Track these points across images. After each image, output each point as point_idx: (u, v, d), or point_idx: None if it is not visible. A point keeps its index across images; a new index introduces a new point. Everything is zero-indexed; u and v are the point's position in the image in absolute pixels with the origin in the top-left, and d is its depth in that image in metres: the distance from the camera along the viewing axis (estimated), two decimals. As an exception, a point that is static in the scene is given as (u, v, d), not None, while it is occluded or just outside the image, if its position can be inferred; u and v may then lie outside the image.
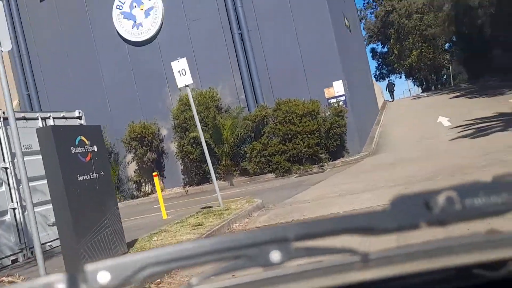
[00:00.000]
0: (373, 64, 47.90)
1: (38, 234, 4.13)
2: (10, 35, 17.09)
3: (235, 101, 14.03)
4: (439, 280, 0.68)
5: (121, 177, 15.01)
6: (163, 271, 0.61)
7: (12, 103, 4.56)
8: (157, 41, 14.85)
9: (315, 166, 12.56)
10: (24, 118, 7.31)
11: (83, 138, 5.14)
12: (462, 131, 12.10)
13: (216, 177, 8.46)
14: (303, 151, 12.47)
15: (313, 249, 0.63)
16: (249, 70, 13.99)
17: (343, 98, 13.41)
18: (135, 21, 15.03)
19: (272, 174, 12.73)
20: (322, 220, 0.64)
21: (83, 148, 5.14)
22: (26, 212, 6.35)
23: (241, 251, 0.61)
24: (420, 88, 47.53)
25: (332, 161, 12.73)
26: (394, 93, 33.47)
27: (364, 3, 45.19)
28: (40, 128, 5.53)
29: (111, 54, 15.28)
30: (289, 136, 12.60)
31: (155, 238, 6.06)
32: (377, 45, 45.30)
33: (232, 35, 14.09)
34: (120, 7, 15.16)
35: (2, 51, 4.40)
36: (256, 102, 13.89)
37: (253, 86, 13.99)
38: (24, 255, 6.70)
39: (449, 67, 44.10)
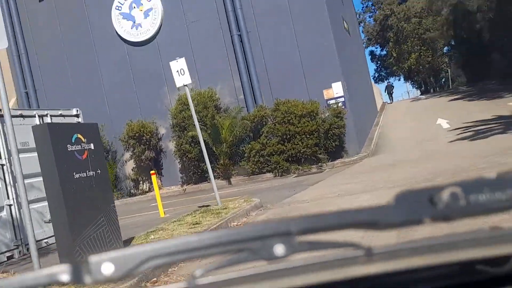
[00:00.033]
0: (372, 67, 48.02)
1: (33, 231, 4.09)
2: (9, 34, 16.92)
3: (234, 101, 14.01)
4: (442, 275, 0.68)
5: (119, 175, 14.97)
6: (167, 263, 0.61)
7: (8, 100, 4.53)
8: (156, 42, 14.83)
9: (314, 166, 12.54)
10: (21, 116, 7.27)
11: (79, 136, 5.10)
12: (461, 133, 12.09)
13: (214, 176, 8.43)
14: (301, 151, 12.45)
15: (317, 243, 0.62)
16: (248, 71, 13.97)
17: (342, 99, 13.40)
18: (134, 22, 15.00)
19: (271, 174, 12.70)
20: (326, 214, 0.63)
21: (79, 146, 5.10)
22: (22, 209, 6.30)
23: (244, 244, 0.61)
24: (418, 91, 47.64)
25: (331, 161, 12.71)
26: (393, 95, 33.56)
27: (363, 7, 45.30)
28: (36, 125, 5.49)
29: (110, 54, 15.24)
30: (288, 136, 12.58)
31: (152, 236, 6.02)
32: (376, 48, 45.45)
33: (231, 36, 14.08)
34: (119, 8, 15.14)
35: (-1, 47, 4.36)
36: (255, 102, 13.87)
37: (252, 87, 13.97)
38: (19, 251, 6.65)
39: (447, 70, 44.23)
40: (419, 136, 13.73)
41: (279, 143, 12.69)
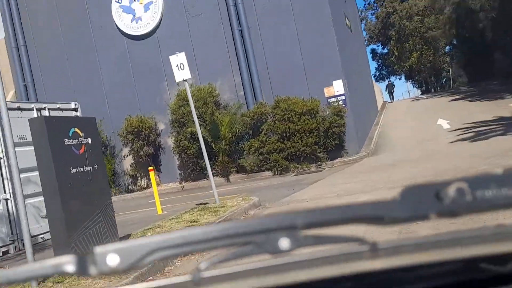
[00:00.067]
0: (373, 65, 47.83)
1: (28, 226, 4.02)
2: (8, 26, 16.77)
3: (234, 97, 13.92)
4: (446, 272, 0.68)
5: (117, 171, 14.90)
6: (172, 255, 0.61)
7: (6, 93, 4.45)
8: (156, 36, 14.72)
9: (313, 165, 12.47)
10: (19, 109, 7.20)
11: (77, 130, 5.03)
12: (462, 134, 12.03)
13: (212, 173, 8.36)
14: (301, 150, 12.38)
15: (322, 237, 0.62)
16: (248, 67, 13.87)
17: (343, 97, 13.32)
18: (134, 15, 14.89)
19: (270, 172, 12.64)
20: (331, 208, 0.63)
21: (77, 140, 5.03)
22: (17, 203, 6.24)
23: (249, 238, 0.61)
24: (419, 90, 47.55)
25: (331, 160, 12.64)
26: (394, 94, 33.47)
27: (365, 4, 45.26)
28: (33, 118, 5.41)
29: (109, 47, 15.14)
30: (288, 134, 12.50)
31: (149, 234, 5.96)
32: (378, 46, 45.26)
33: (232, 31, 13.97)
34: (120, 1, 15.02)
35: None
36: (255, 99, 13.78)
37: (252, 83, 13.88)
38: (15, 246, 6.60)
39: (449, 69, 44.12)
40: (419, 136, 13.66)
41: (278, 141, 12.61)
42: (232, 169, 13.37)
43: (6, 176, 6.67)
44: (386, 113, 21.93)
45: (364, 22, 41.37)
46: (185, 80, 7.86)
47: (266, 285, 0.68)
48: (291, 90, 12.98)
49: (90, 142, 5.22)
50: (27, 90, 16.22)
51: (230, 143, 13.23)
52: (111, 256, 0.58)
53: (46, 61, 15.93)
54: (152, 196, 9.14)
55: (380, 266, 0.67)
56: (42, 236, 6.86)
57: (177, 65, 7.83)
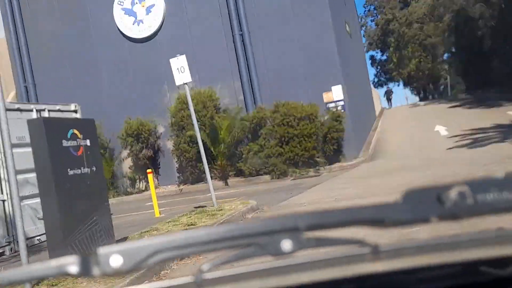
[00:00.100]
0: (371, 71, 48.01)
1: (23, 227, 4.01)
2: (10, 27, 16.73)
3: (234, 101, 13.93)
4: (447, 275, 0.68)
5: (116, 173, 14.87)
6: (174, 257, 0.61)
7: (7, 94, 4.45)
8: (157, 39, 14.76)
9: (311, 169, 12.47)
10: (19, 110, 7.19)
11: (75, 131, 5.02)
12: (460, 140, 12.06)
13: (211, 176, 8.36)
14: (299, 154, 12.38)
15: (324, 240, 0.62)
16: (248, 71, 13.91)
17: (342, 103, 13.35)
18: (136, 18, 14.93)
19: (268, 176, 12.63)
20: (333, 210, 0.63)
21: (75, 141, 5.02)
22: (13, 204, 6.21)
23: (252, 239, 0.61)
24: (417, 97, 47.68)
25: (329, 165, 12.65)
26: (392, 100, 33.56)
27: (365, 11, 45.41)
28: (31, 119, 5.41)
29: (110, 50, 15.16)
30: (287, 138, 12.51)
31: (146, 237, 5.94)
32: (377, 52, 45.48)
33: (233, 35, 14.01)
34: (121, 3, 15.06)
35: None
36: (255, 103, 13.80)
37: (252, 88, 13.91)
38: (11, 248, 6.56)
39: (447, 77, 44.27)
40: (417, 142, 13.69)
41: (277, 145, 12.62)
42: (230, 173, 13.36)
43: (4, 177, 6.65)
44: (384, 119, 21.97)
45: (363, 28, 41.56)
46: (186, 84, 7.86)
47: (268, 286, 0.68)
48: (291, 95, 13.00)
49: (88, 144, 5.21)
50: (27, 92, 16.20)
51: (229, 147, 13.23)
52: (114, 257, 0.59)
53: (47, 63, 15.93)
54: (150, 199, 9.12)
55: (381, 268, 0.67)
56: (38, 238, 6.83)
57: (178, 68, 7.84)
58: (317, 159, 12.57)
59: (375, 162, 12.38)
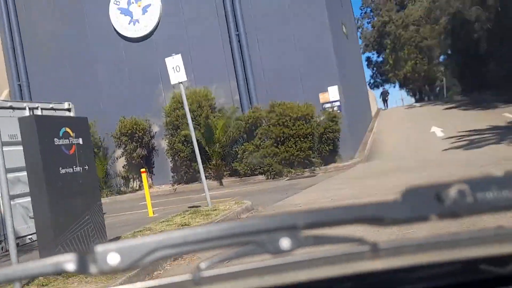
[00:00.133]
0: (368, 73, 48.13)
1: (13, 226, 3.93)
2: (4, 25, 16.61)
3: (229, 101, 13.88)
4: (446, 273, 0.68)
5: (109, 172, 14.77)
6: (172, 255, 0.61)
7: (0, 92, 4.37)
8: (153, 38, 14.68)
9: (307, 170, 12.44)
10: (11, 108, 7.10)
11: (67, 129, 4.94)
12: (456, 142, 12.06)
13: (206, 176, 8.30)
14: (295, 155, 12.34)
15: (323, 238, 0.62)
16: (244, 71, 13.86)
17: (338, 103, 13.33)
18: (132, 17, 14.84)
19: (263, 176, 12.58)
20: (332, 208, 0.63)
21: (67, 140, 4.94)
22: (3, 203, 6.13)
23: (250, 237, 0.61)
24: (413, 98, 47.86)
25: (324, 166, 12.61)
26: (388, 101, 33.64)
27: (361, 13, 45.50)
28: (22, 117, 5.32)
29: (106, 49, 15.07)
30: (282, 138, 12.47)
31: (138, 237, 5.87)
32: (373, 54, 45.59)
33: (229, 36, 13.96)
34: (118, 3, 14.97)
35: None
36: (250, 103, 13.76)
37: (247, 88, 13.86)
38: (2, 247, 6.47)
39: (443, 79, 44.45)
40: (413, 143, 13.69)
41: (272, 145, 12.57)
42: (225, 173, 13.30)
43: (-4, 175, 6.55)
44: (380, 120, 21.99)
45: (360, 30, 41.64)
46: (181, 83, 7.81)
47: (267, 285, 0.68)
48: (287, 95, 12.97)
49: (81, 142, 5.13)
50: (21, 90, 16.08)
51: (224, 146, 13.18)
52: (112, 255, 0.58)
53: (42, 62, 15.82)
54: (144, 198, 9.04)
55: (381, 266, 0.67)
56: (30, 237, 6.74)
57: (173, 67, 7.78)
58: (313, 160, 12.54)
59: (371, 163, 12.36)
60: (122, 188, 14.65)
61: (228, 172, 13.32)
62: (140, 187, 13.99)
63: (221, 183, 13.01)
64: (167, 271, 4.55)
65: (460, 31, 27.27)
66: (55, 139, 4.80)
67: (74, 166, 4.96)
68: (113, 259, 0.58)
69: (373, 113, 24.06)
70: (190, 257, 4.86)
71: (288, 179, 11.93)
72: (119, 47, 14.96)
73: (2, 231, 6.50)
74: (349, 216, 0.62)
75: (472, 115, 17.82)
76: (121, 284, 3.94)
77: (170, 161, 14.19)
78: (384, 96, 33.57)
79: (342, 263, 0.69)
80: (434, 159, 10.25)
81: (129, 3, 14.86)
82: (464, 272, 0.69)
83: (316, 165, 12.52)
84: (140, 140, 14.17)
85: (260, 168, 12.61)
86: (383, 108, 31.12)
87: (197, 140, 8.66)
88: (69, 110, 7.81)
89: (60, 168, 4.78)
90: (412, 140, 14.25)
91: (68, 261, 0.59)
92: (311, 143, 12.42)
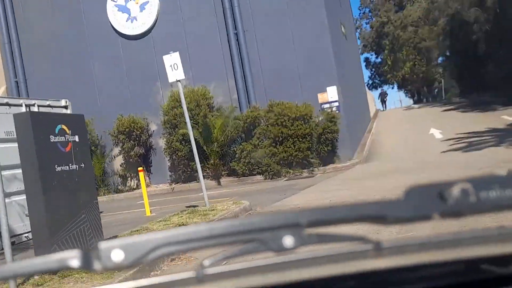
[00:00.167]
0: (366, 74, 48.14)
1: (7, 224, 3.86)
2: (1, 21, 16.50)
3: (227, 100, 13.82)
4: (448, 273, 0.68)
5: (107, 171, 14.68)
6: (176, 252, 0.61)
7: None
8: (151, 36, 14.60)
9: (305, 170, 12.39)
10: (7, 104, 7.03)
11: (64, 127, 4.87)
12: (454, 144, 12.04)
13: (203, 176, 8.24)
14: (293, 155, 12.28)
15: (326, 236, 0.62)
16: (243, 70, 13.80)
17: (336, 104, 13.28)
18: (130, 15, 14.76)
19: (261, 176, 12.52)
20: (335, 206, 0.63)
21: (63, 137, 4.87)
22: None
23: (254, 235, 0.61)
24: (411, 100, 47.91)
25: (323, 166, 12.57)
26: (386, 102, 33.66)
27: (360, 13, 45.45)
28: (18, 113, 5.25)
29: (103, 46, 14.98)
30: (280, 138, 12.41)
31: (143, 234, 5.80)
32: (371, 55, 45.61)
33: (227, 34, 13.90)
34: (115, 0, 14.88)
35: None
36: (249, 102, 13.70)
37: (246, 87, 13.80)
38: (-3, 246, 6.38)
39: (441, 80, 44.50)
40: (412, 145, 13.66)
41: (271, 145, 12.52)
42: (223, 172, 13.24)
43: (-9, 172, 6.46)
44: (379, 121, 21.97)
45: (358, 30, 41.65)
46: (179, 81, 7.75)
47: (270, 282, 0.68)
48: (285, 95, 12.91)
49: (77, 140, 5.06)
50: (18, 87, 15.97)
51: (222, 146, 13.11)
52: (115, 251, 0.58)
53: (39, 58, 15.71)
54: (141, 197, 8.97)
55: (383, 265, 0.67)
56: (26, 235, 6.67)
57: (171, 65, 7.72)
58: (311, 160, 12.49)
59: (370, 164, 12.32)
60: (119, 187, 14.57)
61: (226, 172, 13.25)
62: (138, 186, 13.90)
63: (219, 183, 12.94)
64: (164, 271, 4.49)
65: (459, 33, 27.28)
66: (51, 136, 4.73)
67: (70, 164, 4.89)
68: (117, 255, 0.58)
69: (371, 114, 24.05)
70: (187, 258, 4.80)
71: (286, 180, 11.88)
72: (117, 45, 14.88)
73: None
74: (352, 214, 0.62)
75: (471, 117, 17.82)
76: (120, 282, 3.88)
77: (168, 160, 14.11)
78: (383, 97, 33.59)
79: (345, 262, 0.69)
80: (432, 161, 10.22)
81: (126, 0, 14.78)
82: (466, 272, 0.69)
83: (314, 166, 12.47)
84: (137, 138, 14.09)
85: (258, 168, 12.55)
86: (382, 109, 31.12)
87: (195, 139, 8.59)
88: (66, 107, 7.74)
89: (56, 165, 4.71)
90: (410, 142, 14.23)
91: (72, 258, 0.59)
92: (309, 144, 12.37)
